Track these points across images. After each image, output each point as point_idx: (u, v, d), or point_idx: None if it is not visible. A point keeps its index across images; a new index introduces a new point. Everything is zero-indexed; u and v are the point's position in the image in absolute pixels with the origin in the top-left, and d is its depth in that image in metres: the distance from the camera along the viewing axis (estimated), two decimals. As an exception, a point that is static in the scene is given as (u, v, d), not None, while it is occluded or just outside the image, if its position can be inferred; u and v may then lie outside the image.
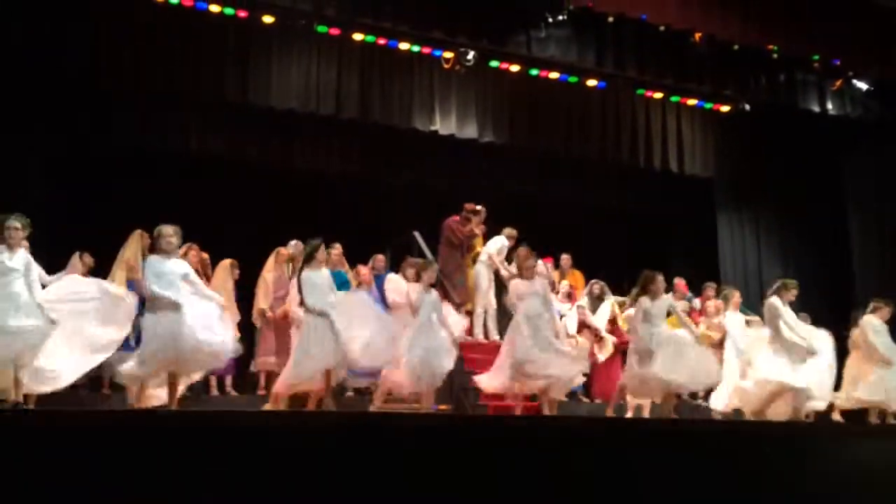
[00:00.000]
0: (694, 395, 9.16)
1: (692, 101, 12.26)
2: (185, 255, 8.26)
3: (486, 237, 9.92)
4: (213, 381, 8.43)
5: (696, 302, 10.05)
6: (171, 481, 4.69)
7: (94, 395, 7.78)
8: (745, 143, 12.63)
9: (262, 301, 8.50)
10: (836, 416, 8.81)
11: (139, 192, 9.81)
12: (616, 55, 10.93)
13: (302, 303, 6.90)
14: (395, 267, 8.99)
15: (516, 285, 7.49)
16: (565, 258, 10.65)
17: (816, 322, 9.11)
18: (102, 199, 9.59)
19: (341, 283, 8.64)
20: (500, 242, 9.66)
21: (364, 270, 8.62)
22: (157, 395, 6.51)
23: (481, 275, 9.66)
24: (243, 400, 8.37)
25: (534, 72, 11.29)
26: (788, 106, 11.84)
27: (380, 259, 9.05)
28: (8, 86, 9.03)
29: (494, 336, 9.45)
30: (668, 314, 7.60)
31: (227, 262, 8.54)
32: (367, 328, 7.03)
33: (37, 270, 6.15)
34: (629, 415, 8.35)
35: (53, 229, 8.88)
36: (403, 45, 10.63)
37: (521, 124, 11.47)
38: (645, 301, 7.40)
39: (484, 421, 7.02)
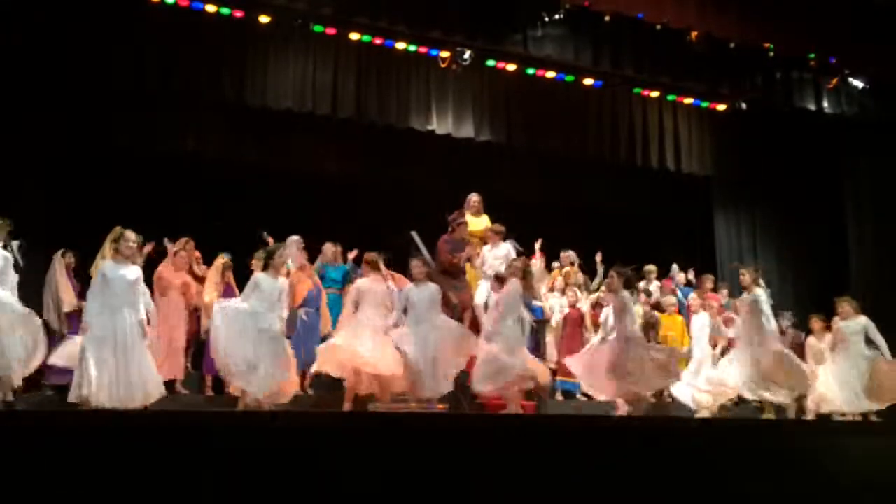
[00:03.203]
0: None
1: (689, 100, 12.29)
2: (176, 254, 8.37)
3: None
4: (209, 381, 8.41)
5: (692, 295, 10.10)
6: (167, 482, 4.67)
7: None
8: (742, 142, 12.63)
9: None
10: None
11: (137, 192, 9.79)
12: (612, 54, 10.94)
13: None
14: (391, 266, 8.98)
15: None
16: (565, 255, 10.65)
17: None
18: (100, 200, 9.56)
19: (344, 276, 8.72)
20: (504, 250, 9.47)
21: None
22: None
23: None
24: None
25: (530, 71, 11.30)
26: (785, 104, 11.85)
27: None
28: (7, 86, 9.01)
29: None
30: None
31: (220, 261, 8.57)
32: None
33: None
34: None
35: (52, 229, 8.89)
36: (400, 45, 10.63)
37: (517, 123, 11.46)
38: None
39: (483, 420, 7.01)
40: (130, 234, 6.69)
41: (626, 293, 7.63)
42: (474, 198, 9.71)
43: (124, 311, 6.44)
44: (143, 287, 6.75)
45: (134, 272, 6.63)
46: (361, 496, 5.03)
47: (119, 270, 6.54)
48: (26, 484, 4.43)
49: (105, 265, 6.62)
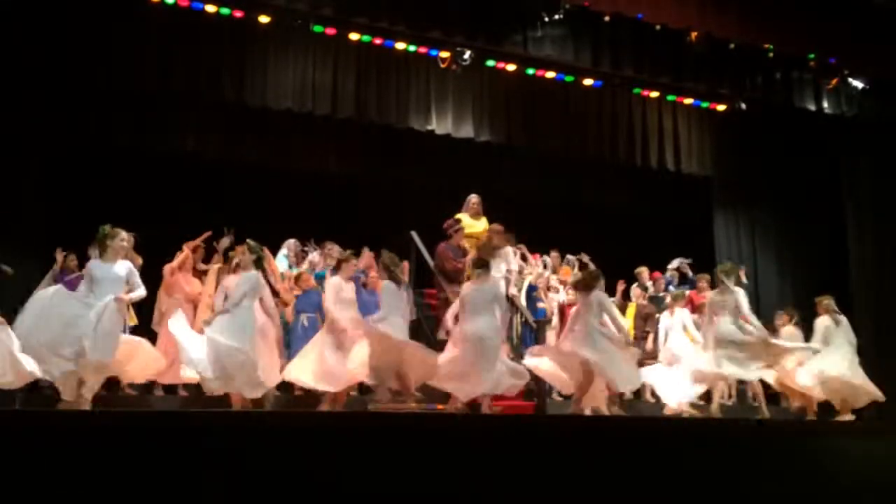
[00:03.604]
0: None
1: (688, 100, 12.29)
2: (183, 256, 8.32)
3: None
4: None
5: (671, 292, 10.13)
6: (167, 482, 4.67)
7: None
8: (741, 142, 12.64)
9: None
10: None
11: (137, 192, 9.80)
12: (612, 54, 10.93)
13: None
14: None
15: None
16: (554, 255, 10.68)
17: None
18: (100, 200, 9.56)
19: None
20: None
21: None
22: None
23: None
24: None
25: (530, 71, 11.30)
26: (784, 104, 11.85)
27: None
28: (7, 86, 9.01)
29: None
30: None
31: (216, 266, 8.53)
32: None
33: None
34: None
35: (52, 229, 8.89)
36: (400, 45, 10.63)
37: (517, 124, 11.47)
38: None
39: (482, 420, 7.00)
40: (122, 232, 6.64)
41: (590, 293, 7.57)
42: (474, 199, 9.71)
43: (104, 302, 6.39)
44: (138, 280, 6.71)
45: (124, 267, 6.57)
46: (361, 496, 5.02)
47: (109, 268, 6.47)
48: (26, 484, 4.42)
49: (93, 264, 6.53)
